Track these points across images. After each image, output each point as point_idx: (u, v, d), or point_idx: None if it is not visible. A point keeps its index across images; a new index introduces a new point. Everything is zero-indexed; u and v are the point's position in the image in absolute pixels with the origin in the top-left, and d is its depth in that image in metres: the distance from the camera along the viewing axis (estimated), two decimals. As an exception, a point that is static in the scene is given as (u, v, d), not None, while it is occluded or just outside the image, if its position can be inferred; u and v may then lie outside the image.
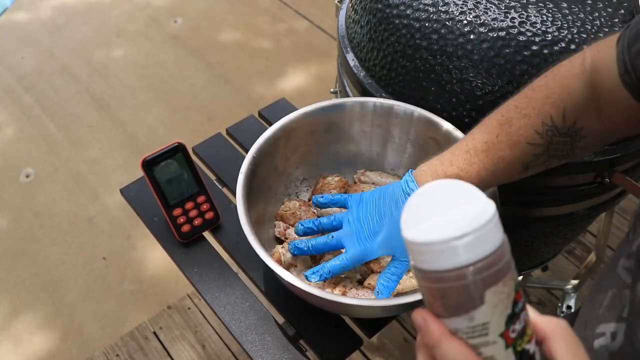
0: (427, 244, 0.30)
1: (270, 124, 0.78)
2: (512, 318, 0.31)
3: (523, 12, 0.70)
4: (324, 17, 2.44)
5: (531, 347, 0.33)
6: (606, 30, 0.69)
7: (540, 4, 0.71)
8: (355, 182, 0.81)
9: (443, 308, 0.32)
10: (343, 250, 0.65)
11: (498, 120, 0.58)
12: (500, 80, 0.70)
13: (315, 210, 0.77)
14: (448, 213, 0.30)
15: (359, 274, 0.70)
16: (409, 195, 0.57)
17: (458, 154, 0.60)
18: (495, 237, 0.30)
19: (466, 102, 0.73)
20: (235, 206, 0.67)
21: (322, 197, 0.70)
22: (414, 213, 0.31)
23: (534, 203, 0.84)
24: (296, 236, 0.73)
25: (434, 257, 0.30)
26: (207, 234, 0.78)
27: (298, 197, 0.81)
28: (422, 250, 0.30)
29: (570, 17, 0.70)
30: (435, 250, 0.30)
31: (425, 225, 0.30)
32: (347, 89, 0.90)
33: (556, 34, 0.69)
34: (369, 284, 0.69)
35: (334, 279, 0.69)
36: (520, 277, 1.26)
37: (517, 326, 0.32)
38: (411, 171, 0.64)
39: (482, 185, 0.60)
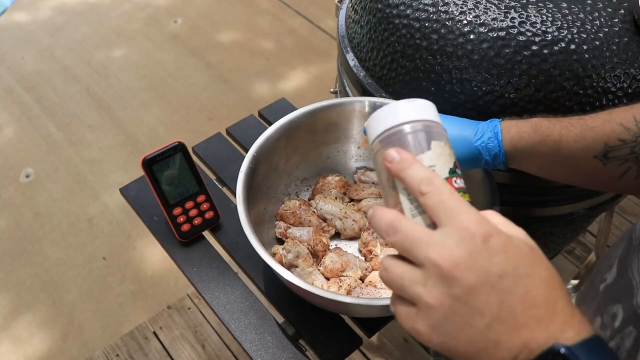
0: (389, 108, 0.41)
1: (270, 124, 0.78)
2: (453, 173, 0.40)
3: (523, 12, 0.70)
4: (324, 17, 2.44)
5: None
6: (606, 30, 0.69)
7: (540, 4, 0.71)
8: (355, 182, 0.81)
9: None
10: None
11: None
12: (500, 80, 0.70)
13: (315, 210, 0.77)
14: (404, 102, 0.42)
15: (360, 271, 0.70)
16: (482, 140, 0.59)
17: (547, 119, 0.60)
18: (435, 113, 0.42)
19: (466, 102, 0.73)
20: (235, 206, 0.67)
21: None
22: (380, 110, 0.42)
23: (534, 203, 0.84)
24: (295, 237, 0.73)
25: (399, 115, 0.41)
26: (207, 234, 0.78)
27: (298, 197, 0.81)
28: (389, 113, 0.41)
29: (570, 17, 0.70)
30: (398, 109, 0.41)
31: (387, 106, 0.42)
32: (347, 89, 0.90)
33: (556, 34, 0.69)
34: (370, 281, 0.69)
35: (337, 278, 0.69)
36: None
37: (459, 182, 0.40)
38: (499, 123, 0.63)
39: (556, 147, 0.58)
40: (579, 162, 0.57)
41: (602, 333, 0.45)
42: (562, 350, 0.31)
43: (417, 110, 0.41)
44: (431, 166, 0.39)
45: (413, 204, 0.38)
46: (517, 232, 0.36)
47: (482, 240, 0.34)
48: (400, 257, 0.37)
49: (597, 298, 0.49)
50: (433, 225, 0.36)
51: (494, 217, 0.37)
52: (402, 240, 0.35)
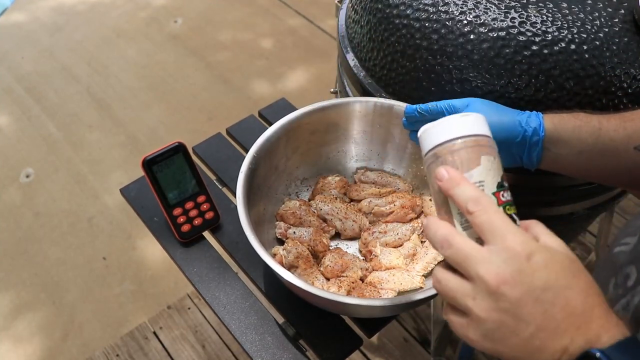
0: (444, 122, 0.44)
1: (270, 124, 0.78)
2: (501, 187, 0.42)
3: (523, 12, 0.70)
4: (324, 17, 2.44)
5: (517, 219, 0.43)
6: (606, 30, 0.69)
7: (540, 4, 0.71)
8: (355, 182, 0.81)
9: None
10: None
11: None
12: (501, 81, 0.70)
13: (315, 210, 0.77)
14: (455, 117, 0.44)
15: (360, 271, 0.70)
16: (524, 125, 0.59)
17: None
18: (486, 127, 0.44)
19: (466, 102, 0.73)
20: (235, 206, 0.67)
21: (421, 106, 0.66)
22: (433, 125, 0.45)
23: (534, 203, 0.84)
24: (295, 237, 0.73)
25: (452, 130, 0.43)
26: (207, 234, 0.78)
27: (298, 197, 0.81)
28: (443, 127, 0.43)
29: (570, 17, 0.70)
30: (451, 123, 0.43)
31: (442, 119, 0.44)
32: (347, 89, 0.90)
33: (556, 34, 0.69)
34: (370, 282, 0.69)
35: (337, 278, 0.69)
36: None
37: (506, 196, 0.42)
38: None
39: (596, 134, 0.58)
40: (619, 153, 0.58)
41: (614, 291, 0.48)
42: (597, 354, 0.35)
43: (470, 125, 0.43)
44: (480, 182, 0.42)
45: (462, 217, 0.42)
46: (557, 244, 0.40)
47: (526, 258, 0.37)
48: (451, 268, 0.41)
49: (613, 261, 0.51)
50: (480, 239, 0.40)
51: (537, 228, 0.40)
52: (454, 254, 0.39)
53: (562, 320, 0.36)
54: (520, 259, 0.37)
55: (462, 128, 0.43)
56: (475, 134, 0.43)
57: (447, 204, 0.43)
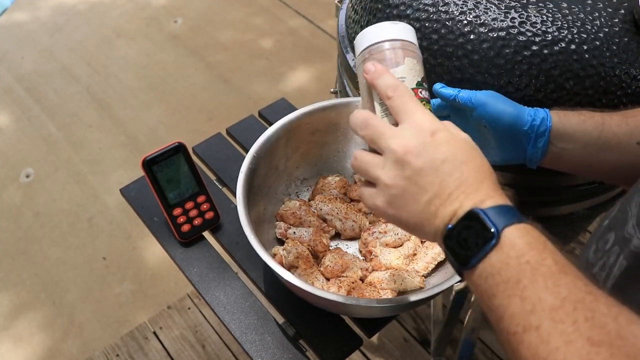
0: (375, 27, 0.49)
1: (270, 124, 0.78)
2: (420, 85, 0.48)
3: (523, 12, 0.70)
4: (324, 17, 2.44)
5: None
6: (606, 30, 0.69)
7: (540, 4, 0.71)
8: (355, 182, 0.81)
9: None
10: None
11: None
12: (501, 81, 0.70)
13: (315, 210, 0.77)
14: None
15: (360, 271, 0.70)
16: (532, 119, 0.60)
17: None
18: (413, 36, 0.50)
19: (466, 102, 0.73)
20: (235, 206, 0.67)
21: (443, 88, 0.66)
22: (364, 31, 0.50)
23: (535, 203, 0.84)
24: (295, 237, 0.73)
25: (382, 33, 0.48)
26: (207, 234, 0.78)
27: (298, 197, 0.81)
28: (374, 31, 0.49)
29: (570, 17, 0.70)
30: (382, 28, 0.49)
31: (374, 25, 0.49)
32: (347, 89, 0.90)
33: (556, 34, 0.69)
34: (370, 282, 0.69)
35: (337, 278, 0.69)
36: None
37: (424, 93, 0.48)
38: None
39: (600, 129, 0.59)
40: (622, 147, 0.59)
41: (594, 255, 0.50)
42: (478, 212, 0.40)
43: (398, 31, 0.49)
44: (401, 77, 0.47)
45: (382, 107, 0.47)
46: (461, 134, 0.45)
47: (431, 134, 0.42)
48: (370, 150, 0.46)
49: (597, 231, 0.53)
50: (397, 125, 0.45)
51: (449, 125, 0.45)
52: (370, 133, 0.45)
53: (455, 189, 0.41)
54: (425, 134, 0.42)
55: (391, 32, 0.48)
56: (402, 39, 0.49)
57: (371, 97, 0.48)
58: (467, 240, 0.40)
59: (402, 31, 0.49)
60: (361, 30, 0.50)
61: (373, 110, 0.48)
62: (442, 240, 0.42)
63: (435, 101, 0.66)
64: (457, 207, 0.41)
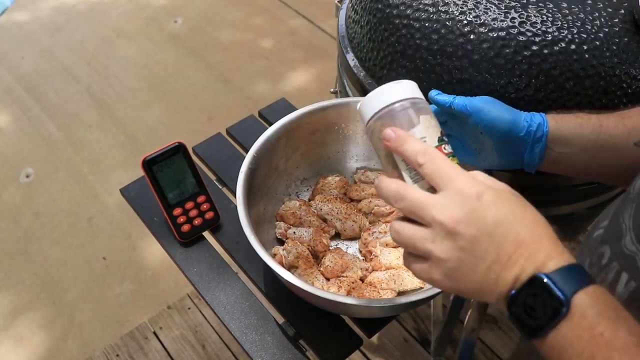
0: (380, 91, 0.47)
1: (270, 124, 0.78)
2: (442, 141, 0.46)
3: (523, 12, 0.70)
4: (324, 17, 2.44)
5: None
6: (606, 30, 0.69)
7: (540, 4, 0.71)
8: (355, 182, 0.81)
9: None
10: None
11: None
12: (501, 81, 0.70)
13: (315, 210, 0.77)
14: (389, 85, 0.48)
15: (360, 271, 0.70)
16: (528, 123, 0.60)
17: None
18: (418, 91, 0.48)
19: (466, 102, 0.73)
20: (235, 206, 0.67)
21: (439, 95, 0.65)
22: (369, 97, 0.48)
23: (535, 203, 0.84)
24: (295, 237, 0.73)
25: (388, 96, 0.47)
26: (207, 234, 0.78)
27: (298, 197, 0.81)
28: (379, 95, 0.47)
29: (570, 17, 0.70)
30: (387, 90, 0.47)
31: (378, 88, 0.48)
32: (347, 89, 0.90)
33: (556, 34, 0.69)
34: (370, 282, 0.69)
35: (337, 278, 0.69)
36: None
37: (448, 148, 0.46)
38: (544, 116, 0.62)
39: (597, 131, 0.59)
40: (620, 149, 0.59)
41: (589, 270, 0.50)
42: (543, 278, 0.38)
43: (403, 89, 0.47)
44: (422, 137, 0.45)
45: (412, 172, 0.45)
46: (501, 186, 0.43)
47: (477, 198, 0.40)
48: (407, 220, 0.43)
49: (590, 244, 0.53)
50: (431, 189, 0.42)
51: (480, 176, 0.43)
52: (408, 205, 0.42)
53: (514, 252, 0.39)
54: (471, 199, 0.40)
55: (398, 93, 0.47)
56: (411, 97, 0.47)
57: (394, 163, 0.46)
58: (534, 308, 0.38)
59: (407, 89, 0.47)
60: (370, 91, 0.48)
61: (399, 176, 0.45)
62: (506, 307, 0.40)
63: (433, 108, 0.65)
64: (518, 272, 0.39)
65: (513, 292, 0.39)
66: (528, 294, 0.38)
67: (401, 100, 0.46)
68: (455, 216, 0.39)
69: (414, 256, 0.43)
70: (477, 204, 0.40)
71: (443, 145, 0.46)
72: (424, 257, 0.42)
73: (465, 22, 0.71)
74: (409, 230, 0.42)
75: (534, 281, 0.38)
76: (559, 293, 0.37)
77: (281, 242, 0.75)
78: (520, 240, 0.39)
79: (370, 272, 0.71)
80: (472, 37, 0.71)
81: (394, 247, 0.73)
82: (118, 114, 2.05)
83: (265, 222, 0.75)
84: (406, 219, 0.43)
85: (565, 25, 0.69)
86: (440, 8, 0.73)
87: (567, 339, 0.37)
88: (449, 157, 0.45)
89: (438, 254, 0.40)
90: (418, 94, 0.48)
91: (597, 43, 0.69)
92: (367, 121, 0.48)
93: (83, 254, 1.65)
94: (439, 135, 0.46)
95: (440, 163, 0.42)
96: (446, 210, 0.40)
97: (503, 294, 0.40)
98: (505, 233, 0.39)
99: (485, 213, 0.39)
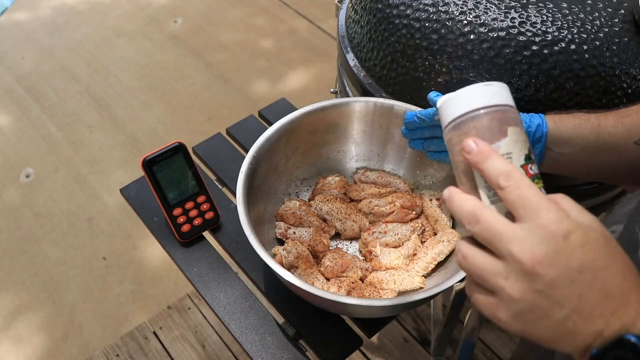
0: (466, 92, 0.41)
1: (270, 124, 0.78)
2: (529, 160, 0.40)
3: (523, 12, 0.70)
4: (324, 17, 2.44)
5: (545, 193, 0.40)
6: (606, 30, 0.69)
7: (540, 4, 0.71)
8: (355, 182, 0.81)
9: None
10: None
11: None
12: (500, 81, 0.70)
13: (315, 210, 0.77)
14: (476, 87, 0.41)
15: (360, 271, 0.70)
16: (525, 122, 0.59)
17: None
18: (510, 97, 0.41)
19: (466, 102, 0.73)
20: (235, 206, 0.67)
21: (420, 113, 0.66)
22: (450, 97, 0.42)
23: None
24: (295, 237, 0.73)
25: (476, 99, 0.40)
26: (207, 234, 0.78)
27: (298, 197, 0.81)
28: (465, 96, 0.41)
29: (570, 17, 0.70)
30: (475, 92, 0.41)
31: (464, 89, 0.41)
32: (347, 89, 0.90)
33: (556, 34, 0.69)
34: (370, 282, 0.69)
35: (337, 278, 0.69)
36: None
37: (534, 169, 0.40)
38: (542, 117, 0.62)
39: (597, 131, 0.58)
40: (620, 148, 0.58)
41: None
42: (632, 340, 0.34)
43: (493, 94, 0.41)
44: (508, 153, 0.40)
45: (490, 191, 0.40)
46: (591, 221, 0.38)
47: (563, 238, 0.35)
48: (477, 244, 0.39)
49: None
50: (510, 213, 0.38)
51: (565, 203, 0.39)
52: (484, 231, 0.37)
53: (598, 304, 0.35)
54: (556, 239, 0.36)
55: (485, 97, 0.41)
56: (500, 104, 0.41)
57: (471, 176, 0.40)
58: None
59: (498, 93, 0.41)
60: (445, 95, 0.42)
61: (476, 193, 0.40)
62: None
63: (432, 110, 0.65)
64: (602, 328, 0.35)
65: (594, 351, 0.35)
66: (614, 356, 0.34)
67: (489, 107, 0.40)
68: (535, 255, 0.35)
69: (480, 287, 0.39)
70: (562, 244, 0.35)
71: (530, 165, 0.40)
72: (491, 291, 0.38)
73: (465, 22, 0.71)
74: (480, 259, 0.38)
75: (621, 342, 0.34)
76: None
77: (281, 242, 0.75)
78: (606, 291, 0.35)
79: (370, 272, 0.71)
80: (472, 37, 0.71)
81: (394, 247, 0.73)
82: (118, 114, 2.05)
83: (265, 222, 0.75)
84: (475, 241, 0.39)
85: (565, 25, 0.69)
86: (440, 8, 0.73)
87: None
88: (534, 179, 0.40)
89: (510, 293, 0.36)
90: (509, 100, 0.42)
91: (597, 43, 0.69)
92: (446, 124, 0.42)
93: (83, 254, 1.65)
94: (527, 152, 0.40)
95: (525, 190, 0.37)
96: (527, 246, 0.36)
97: (580, 348, 0.36)
98: (591, 281, 0.35)
99: (570, 256, 0.35)
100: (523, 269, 0.36)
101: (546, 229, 0.36)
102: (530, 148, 0.41)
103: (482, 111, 0.40)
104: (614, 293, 0.35)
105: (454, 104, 0.41)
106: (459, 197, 0.39)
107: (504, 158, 0.39)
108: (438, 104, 0.43)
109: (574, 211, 0.38)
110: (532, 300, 0.36)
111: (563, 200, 0.39)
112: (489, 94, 0.41)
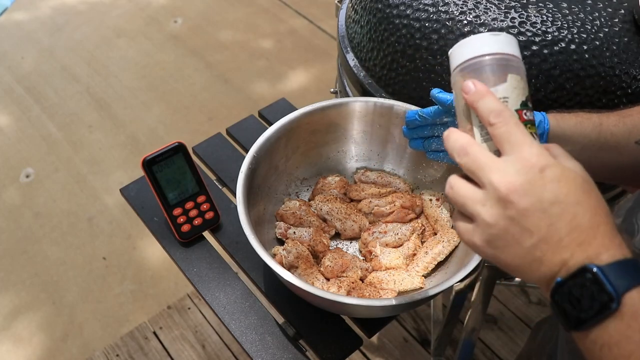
0: (474, 39, 0.44)
1: (270, 124, 0.78)
2: (525, 106, 0.43)
3: (523, 12, 0.70)
4: (324, 17, 2.44)
5: (537, 139, 0.43)
6: (606, 30, 0.69)
7: (540, 4, 0.71)
8: (355, 182, 0.81)
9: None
10: None
11: None
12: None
13: (315, 210, 0.77)
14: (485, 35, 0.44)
15: (360, 271, 0.70)
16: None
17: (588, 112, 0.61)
18: (516, 48, 0.44)
19: (466, 102, 0.73)
20: (235, 206, 0.67)
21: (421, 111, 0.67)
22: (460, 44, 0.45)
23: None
24: (295, 237, 0.73)
25: (481, 46, 0.43)
26: (207, 234, 0.78)
27: (298, 197, 0.81)
28: (472, 44, 0.44)
29: (570, 17, 0.70)
30: (482, 40, 0.44)
31: (472, 36, 0.44)
32: (347, 89, 0.90)
33: (556, 34, 0.69)
34: (370, 282, 0.69)
35: (337, 278, 0.69)
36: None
37: (529, 115, 0.43)
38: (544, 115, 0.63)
39: (598, 130, 0.59)
40: (621, 148, 0.58)
41: None
42: (594, 270, 0.35)
43: (499, 43, 0.44)
44: (504, 97, 0.43)
45: (483, 131, 0.43)
46: (574, 165, 0.40)
47: (540, 170, 0.38)
48: (465, 177, 0.42)
49: None
50: (498, 152, 0.41)
51: (556, 149, 0.41)
52: (470, 162, 0.40)
53: (566, 235, 0.37)
54: (533, 170, 0.38)
55: (491, 45, 0.44)
56: (504, 53, 0.43)
57: (469, 117, 0.44)
58: (579, 300, 0.36)
59: (504, 43, 0.44)
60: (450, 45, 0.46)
61: (471, 132, 0.44)
62: (548, 293, 0.38)
63: (433, 108, 0.66)
64: (567, 257, 0.37)
65: (558, 279, 0.37)
66: (575, 284, 0.36)
67: (493, 54, 0.43)
68: (511, 183, 0.38)
69: (462, 215, 0.42)
70: (537, 176, 0.38)
71: (525, 111, 0.43)
72: (471, 219, 0.41)
73: (465, 22, 0.71)
74: (463, 187, 0.41)
75: (584, 271, 0.36)
76: (609, 288, 0.35)
77: (281, 242, 0.75)
78: (575, 223, 0.37)
79: (370, 272, 0.71)
80: (472, 37, 0.71)
81: (394, 247, 0.73)
82: (118, 114, 2.05)
83: (265, 222, 0.75)
84: (465, 177, 0.42)
85: (565, 25, 0.69)
86: (440, 8, 0.73)
87: (614, 338, 0.35)
88: (526, 124, 0.42)
89: (485, 218, 0.39)
90: (516, 52, 0.44)
91: (597, 43, 0.69)
92: (453, 68, 0.46)
93: (83, 254, 1.65)
94: (524, 99, 0.43)
95: (512, 127, 0.40)
96: (504, 175, 0.38)
97: (546, 277, 0.38)
98: (561, 213, 0.37)
99: (544, 188, 0.37)
100: (499, 196, 0.38)
101: (526, 161, 0.38)
102: (529, 97, 0.44)
103: (487, 57, 0.43)
104: (582, 226, 0.37)
105: (462, 50, 0.44)
106: (455, 134, 0.42)
107: (497, 98, 0.42)
108: (449, 52, 0.46)
109: (562, 156, 0.41)
110: (504, 227, 0.38)
111: (555, 147, 0.42)
112: (496, 42, 0.44)
